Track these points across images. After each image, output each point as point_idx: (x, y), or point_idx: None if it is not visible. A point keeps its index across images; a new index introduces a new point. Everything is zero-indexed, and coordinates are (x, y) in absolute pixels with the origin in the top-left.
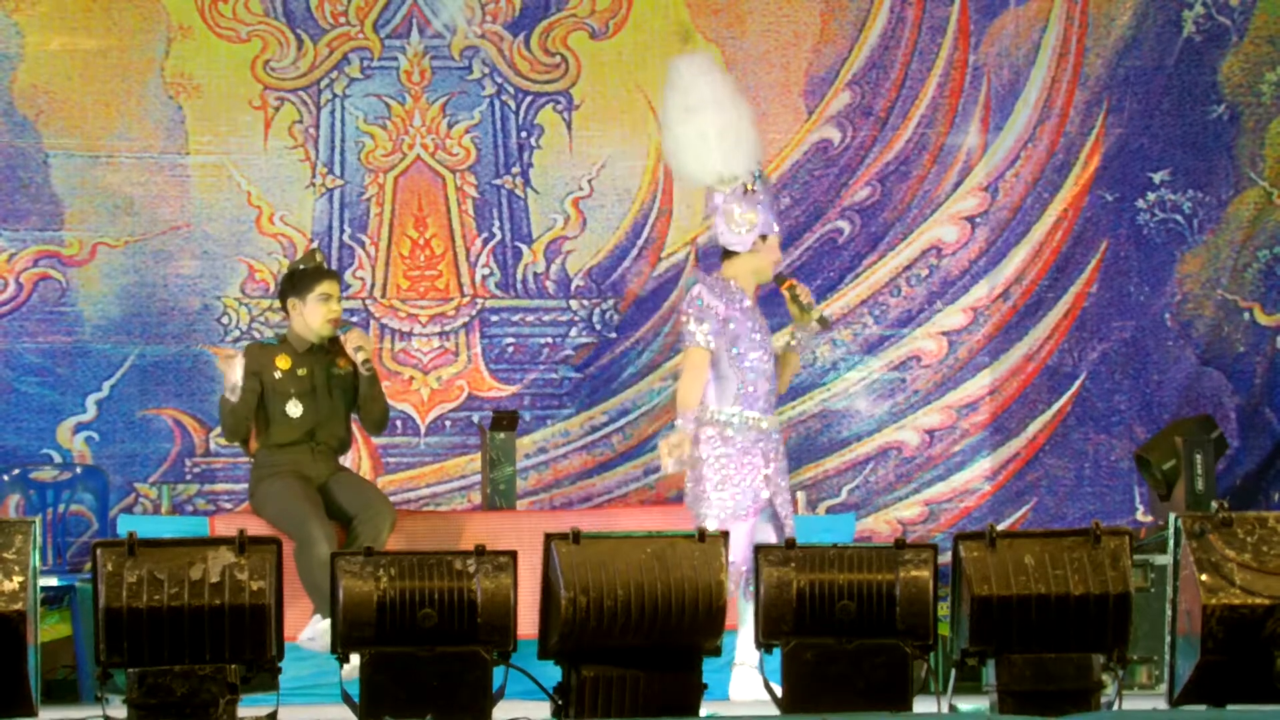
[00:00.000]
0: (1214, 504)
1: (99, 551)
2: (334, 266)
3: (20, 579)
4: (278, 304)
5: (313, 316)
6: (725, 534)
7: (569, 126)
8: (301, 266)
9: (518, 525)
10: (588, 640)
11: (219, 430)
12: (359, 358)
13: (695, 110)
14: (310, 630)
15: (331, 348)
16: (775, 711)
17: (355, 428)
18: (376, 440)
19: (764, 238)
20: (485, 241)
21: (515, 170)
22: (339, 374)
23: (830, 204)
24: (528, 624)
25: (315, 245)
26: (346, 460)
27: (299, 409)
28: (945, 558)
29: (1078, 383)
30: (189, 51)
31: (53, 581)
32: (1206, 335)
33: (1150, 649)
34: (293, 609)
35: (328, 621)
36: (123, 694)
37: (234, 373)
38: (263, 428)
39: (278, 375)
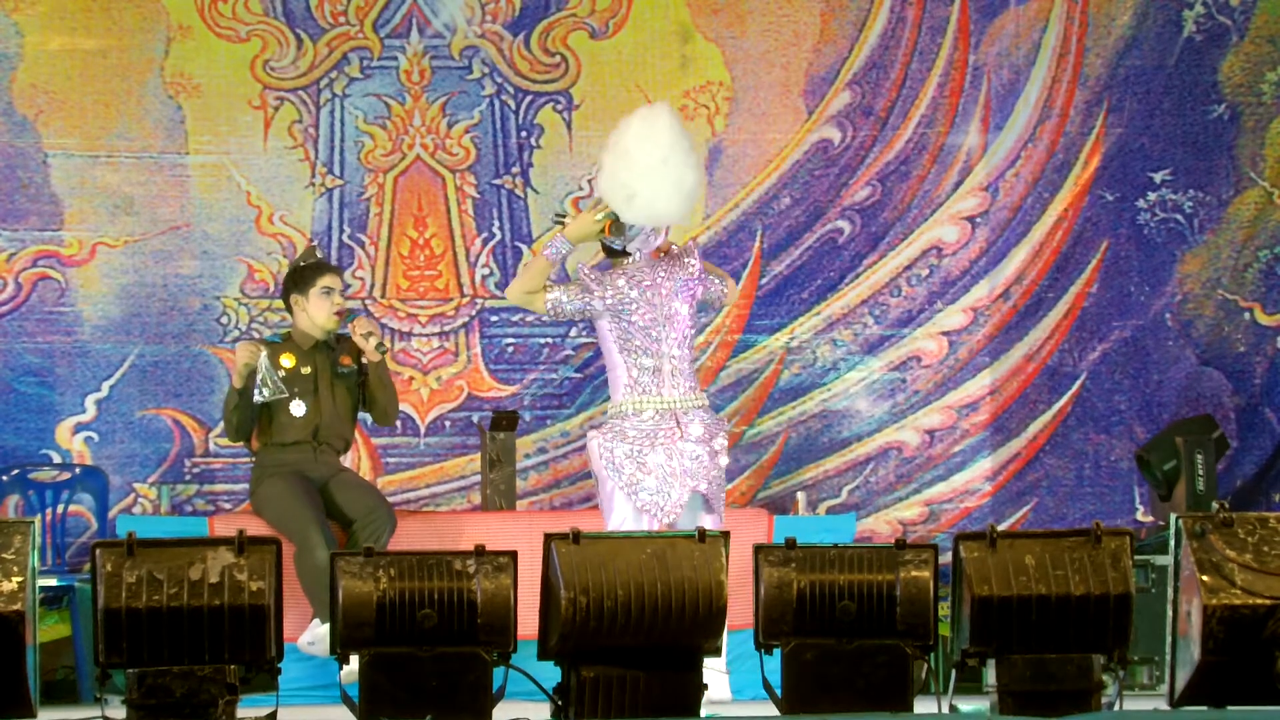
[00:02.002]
0: (1215, 504)
1: (98, 552)
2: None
3: (19, 579)
4: (277, 304)
5: (316, 311)
6: (726, 534)
7: (569, 126)
8: (302, 263)
9: (518, 525)
10: (588, 640)
11: (219, 430)
12: (370, 343)
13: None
14: (310, 635)
15: (336, 345)
16: (775, 711)
17: (356, 429)
18: (376, 440)
19: None
20: (485, 241)
21: (515, 170)
22: (343, 372)
23: (830, 204)
24: (528, 624)
25: (314, 243)
26: (346, 460)
27: (303, 407)
28: (946, 558)
29: (1078, 383)
30: (188, 51)
31: (52, 582)
32: (1207, 335)
33: (1151, 649)
34: (292, 612)
35: (327, 626)
36: (122, 694)
37: (256, 362)
38: (265, 425)
39: (282, 373)
